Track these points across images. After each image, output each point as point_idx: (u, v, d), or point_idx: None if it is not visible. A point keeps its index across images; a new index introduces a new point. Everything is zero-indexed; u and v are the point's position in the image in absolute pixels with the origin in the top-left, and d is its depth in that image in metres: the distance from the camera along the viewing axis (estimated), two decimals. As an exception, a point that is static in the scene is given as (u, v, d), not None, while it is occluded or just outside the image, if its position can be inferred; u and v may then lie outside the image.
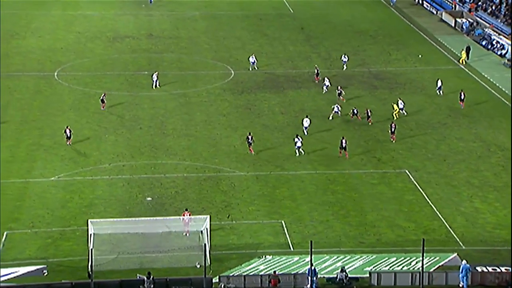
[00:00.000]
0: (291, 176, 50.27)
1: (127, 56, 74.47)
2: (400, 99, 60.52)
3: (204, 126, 59.00)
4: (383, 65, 72.94)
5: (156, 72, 66.18)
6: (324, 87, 64.43)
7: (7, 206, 44.79)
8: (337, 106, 58.83)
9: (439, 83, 65.20)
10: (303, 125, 56.30)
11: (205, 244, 38.30)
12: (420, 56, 75.23)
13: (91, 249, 36.18)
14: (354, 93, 65.48)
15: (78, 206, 45.39)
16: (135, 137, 56.18)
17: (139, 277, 37.21)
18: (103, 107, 60.40)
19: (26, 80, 67.34)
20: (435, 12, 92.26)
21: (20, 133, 56.14)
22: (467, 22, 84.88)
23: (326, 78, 65.20)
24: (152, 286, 35.82)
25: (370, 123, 57.73)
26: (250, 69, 69.42)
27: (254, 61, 70.42)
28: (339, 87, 63.22)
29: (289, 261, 39.62)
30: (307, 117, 56.83)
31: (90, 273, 35.19)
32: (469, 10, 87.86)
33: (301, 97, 64.85)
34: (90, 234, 39.53)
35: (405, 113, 59.93)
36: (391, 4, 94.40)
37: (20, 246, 40.54)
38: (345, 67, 70.69)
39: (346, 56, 71.48)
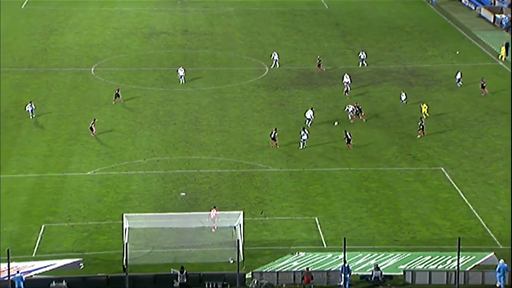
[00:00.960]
0: (325, 172, 50.06)
1: (162, 52, 74.98)
2: (403, 91, 60.06)
3: (238, 122, 59.03)
4: (419, 62, 72.01)
5: (181, 68, 66.13)
6: (345, 84, 63.85)
7: (45, 199, 45.55)
8: (350, 106, 58.12)
9: (459, 75, 64.36)
10: (305, 117, 56.13)
11: (238, 240, 38.39)
12: (457, 52, 74.02)
13: (126, 243, 36.55)
14: (389, 90, 64.84)
15: (113, 200, 45.88)
16: (170, 133, 56.54)
17: (173, 271, 37.48)
18: (115, 101, 60.27)
19: (64, 76, 68.30)
20: (473, 8, 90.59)
21: (57, 128, 57.00)
22: (507, 18, 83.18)
23: (346, 75, 64.54)
24: (185, 280, 36.03)
25: (363, 120, 56.82)
26: (272, 66, 68.88)
27: (277, 58, 69.84)
28: (346, 83, 62.52)
29: (322, 258, 39.53)
30: (311, 109, 56.79)
31: (125, 267, 35.55)
32: (509, 6, 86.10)
33: (335, 93, 64.41)
34: (125, 229, 39.96)
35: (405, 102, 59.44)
36: (431, 2, 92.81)
37: (57, 239, 41.21)
38: (364, 64, 69.96)
39: (364, 53, 70.68)
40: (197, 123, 58.53)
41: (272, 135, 53.00)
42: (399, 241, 41.38)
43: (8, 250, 31.37)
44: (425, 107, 58.28)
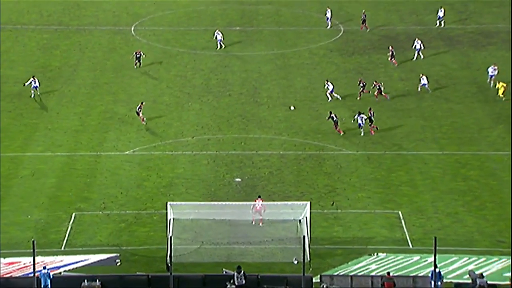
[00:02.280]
0: (411, 156, 49.37)
1: (215, 8, 75.10)
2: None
3: (305, 94, 58.78)
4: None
5: (218, 31, 65.80)
6: (416, 52, 62.52)
7: (76, 183, 46.53)
8: (423, 78, 56.86)
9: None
10: (328, 89, 56.18)
11: (304, 236, 38.21)
12: None
13: (170, 237, 36.90)
14: (495, 55, 63.15)
15: (156, 186, 46.45)
16: (223, 106, 56.74)
17: (226, 272, 37.70)
18: (136, 65, 60.83)
19: (99, 36, 69.33)
20: None
21: (91, 98, 58.00)
22: None
23: (417, 40, 63.10)
24: (243, 282, 36.12)
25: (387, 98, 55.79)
26: (326, 26, 68.21)
27: (330, 16, 68.40)
28: (417, 50, 60.69)
29: (407, 261, 39.07)
30: (327, 81, 56.51)
31: (169, 265, 35.90)
32: None
33: (425, 59, 63.23)
34: (170, 219, 40.39)
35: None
36: None
37: (90, 230, 42.08)
38: (442, 24, 68.20)
39: (442, 10, 68.87)
40: (256, 94, 58.50)
41: (334, 118, 51.92)
42: (505, 242, 40.48)
43: (33, 242, 32.12)
44: (502, 86, 56.12)
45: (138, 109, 53.10)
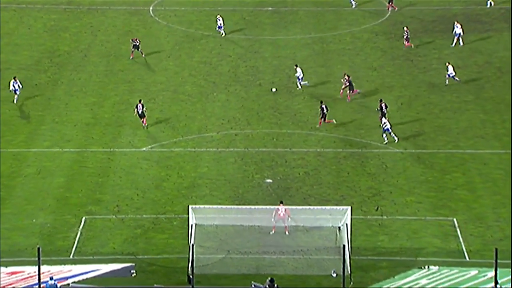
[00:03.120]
0: (468, 155, 49.05)
1: (244, -14, 75.22)
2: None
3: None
4: None
5: (219, 16, 65.07)
6: (455, 37, 62.01)
7: (86, 183, 46.90)
8: (450, 67, 56.23)
9: None
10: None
11: (344, 246, 38.15)
12: None
13: (192, 245, 37.03)
14: None
15: (176, 187, 46.64)
16: (253, 97, 56.79)
17: (254, 285, 37.77)
18: (133, 56, 60.79)
19: (114, 17, 69.75)
20: None
21: (104, 88, 58.40)
22: None
23: (456, 24, 62.60)
24: (275, 297, 36.29)
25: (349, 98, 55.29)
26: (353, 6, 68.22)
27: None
28: (457, 35, 60.52)
29: (463, 276, 38.84)
30: (296, 66, 56.29)
31: (191, 276, 36.05)
32: None
33: (487, 44, 62.78)
34: (191, 225, 40.52)
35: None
36: None
37: (102, 236, 42.38)
38: (491, 3, 67.89)
39: None
40: (290, 84, 58.49)
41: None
42: None
43: (38, 249, 32.45)
44: None
45: (141, 110, 51.82)
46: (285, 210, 41.18)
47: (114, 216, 43.75)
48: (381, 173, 47.72)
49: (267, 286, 36.66)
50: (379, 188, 46.28)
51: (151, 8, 71.18)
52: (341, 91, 55.58)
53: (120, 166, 48.55)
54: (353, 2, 69.84)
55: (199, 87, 58.27)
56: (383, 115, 51.24)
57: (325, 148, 50.52)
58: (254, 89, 57.71)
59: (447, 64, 57.79)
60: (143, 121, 52.00)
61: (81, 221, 43.28)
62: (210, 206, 42.66)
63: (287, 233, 41.14)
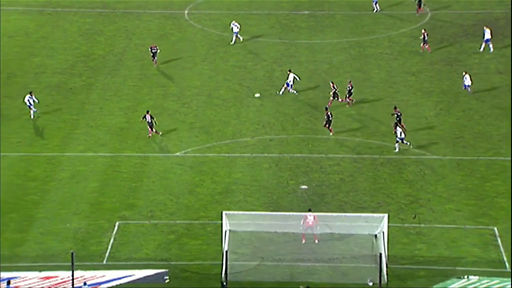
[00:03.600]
0: (510, 163, 48.46)
1: (280, -10, 75.17)
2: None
3: (383, 88, 58.32)
4: None
5: (234, 22, 64.49)
6: (484, 42, 61.27)
7: (120, 188, 47.07)
8: (467, 77, 55.21)
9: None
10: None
11: (380, 254, 37.90)
12: None
13: (226, 252, 36.98)
14: None
15: (210, 192, 46.63)
16: (288, 101, 56.66)
17: (289, 293, 37.61)
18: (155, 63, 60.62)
19: (148, 20, 70.03)
20: None
21: (138, 92, 58.62)
22: None
23: (485, 28, 61.89)
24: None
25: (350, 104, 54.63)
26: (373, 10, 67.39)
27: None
28: (485, 41, 59.70)
29: (504, 286, 38.33)
30: (290, 71, 55.69)
31: (224, 283, 36.04)
32: None
33: (529, 49, 62.08)
34: (225, 231, 40.51)
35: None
36: None
37: (135, 242, 42.48)
38: None
39: None
40: (327, 88, 58.24)
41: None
42: None
43: (72, 254, 32.61)
44: None
45: (150, 120, 51.23)
46: (314, 217, 40.91)
47: (147, 222, 43.85)
48: (419, 180, 47.32)
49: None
50: (417, 196, 45.89)
51: (186, 11, 71.38)
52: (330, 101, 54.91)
53: (153, 171, 48.66)
54: (376, 6, 69.25)
55: (234, 91, 58.26)
56: (398, 122, 50.47)
57: (361, 154, 50.22)
58: (290, 94, 57.55)
59: (464, 73, 56.84)
60: (151, 131, 51.19)
61: (114, 226, 43.42)
62: (244, 212, 42.63)
63: (316, 241, 40.87)
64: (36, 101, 53.59)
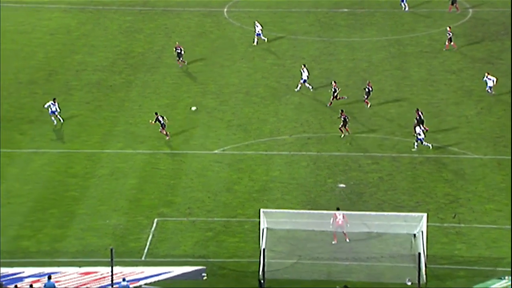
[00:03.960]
0: (550, 163, 48.03)
1: (319, -13, 75.01)
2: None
3: (423, 87, 57.98)
4: None
5: (257, 22, 63.50)
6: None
7: (158, 185, 47.35)
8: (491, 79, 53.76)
9: None
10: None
11: (419, 253, 37.68)
12: None
13: (264, 250, 37.02)
14: None
15: (247, 190, 46.73)
16: (326, 100, 56.56)
17: (326, 292, 37.56)
18: (180, 63, 60.23)
19: (188, 18, 70.32)
20: None
21: (177, 89, 58.90)
22: None
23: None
24: (347, 305, 36.05)
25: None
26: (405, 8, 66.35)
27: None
28: None
29: (543, 288, 37.91)
30: (304, 66, 54.95)
31: (262, 281, 36.08)
32: None
33: None
34: (263, 229, 40.52)
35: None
36: None
37: (173, 238, 42.71)
38: None
39: None
40: (365, 87, 57.99)
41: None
42: None
43: (111, 250, 32.89)
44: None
45: (162, 123, 50.71)
46: (343, 216, 40.76)
47: (185, 219, 44.06)
48: (459, 180, 46.96)
49: (340, 293, 36.45)
50: (457, 195, 45.55)
51: (225, 9, 71.53)
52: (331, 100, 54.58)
53: (192, 168, 48.89)
54: (404, 4, 68.74)
55: (272, 89, 58.28)
56: (419, 123, 49.97)
57: (400, 153, 49.95)
58: (328, 92, 57.42)
59: (486, 74, 55.71)
60: (163, 130, 50.86)
61: (153, 223, 43.71)
62: (282, 210, 42.62)
63: (347, 240, 40.74)
64: (59, 110, 52.36)
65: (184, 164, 49.37)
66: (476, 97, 55.98)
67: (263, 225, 40.67)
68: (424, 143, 49.37)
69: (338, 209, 41.65)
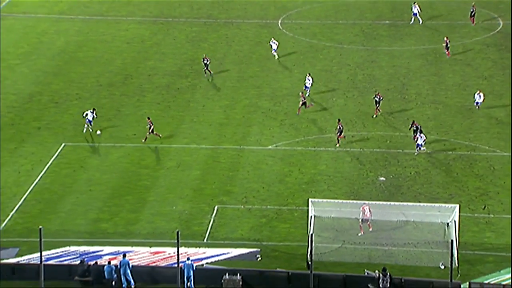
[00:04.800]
0: None
1: (365, 1, 74.26)
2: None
3: (457, 91, 57.07)
4: None
5: (274, 40, 62.10)
6: None
7: (219, 176, 47.41)
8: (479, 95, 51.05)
9: None
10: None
11: (452, 240, 36.86)
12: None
13: (311, 235, 36.84)
14: None
15: (297, 181, 46.55)
16: (369, 102, 56.00)
17: (368, 273, 37.19)
18: (207, 73, 58.70)
19: (246, 29, 70.30)
20: None
21: (236, 92, 58.92)
22: None
23: None
24: (388, 285, 35.56)
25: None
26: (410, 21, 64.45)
27: (417, 12, 63.86)
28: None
29: None
30: (309, 75, 53.24)
31: (310, 263, 35.87)
32: None
33: None
34: (311, 216, 40.34)
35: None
36: None
37: (231, 223, 42.75)
38: None
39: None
40: (404, 91, 57.36)
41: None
42: None
43: (177, 233, 32.96)
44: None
45: (150, 130, 49.36)
46: (369, 209, 40.17)
47: (242, 206, 44.05)
48: (489, 175, 46.09)
49: (380, 274, 36.05)
50: (487, 189, 44.72)
51: (279, 21, 71.33)
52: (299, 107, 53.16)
53: (248, 162, 48.85)
54: (415, 18, 66.85)
55: (320, 92, 57.91)
56: (416, 132, 48.18)
57: (435, 150, 49.23)
58: (370, 95, 56.84)
59: (478, 91, 53.23)
60: (149, 134, 49.31)
61: (214, 209, 43.80)
62: (328, 200, 42.39)
63: (370, 229, 40.09)
64: (95, 117, 50.97)
65: (242, 158, 49.36)
66: (506, 100, 54.86)
67: (311, 213, 40.51)
68: (422, 148, 48.16)
69: (364, 203, 40.81)
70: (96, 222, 42.71)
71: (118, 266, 37.09)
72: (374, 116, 52.43)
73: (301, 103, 53.14)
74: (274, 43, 62.94)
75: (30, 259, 38.86)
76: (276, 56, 61.98)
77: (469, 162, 47.61)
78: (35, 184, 46.17)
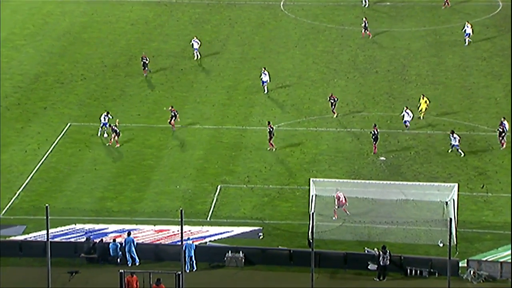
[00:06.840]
0: None
1: (365, -16, 73.84)
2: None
3: (457, 72, 56.86)
4: None
5: (195, 38, 59.37)
6: (466, 36, 57.71)
7: (222, 156, 47.41)
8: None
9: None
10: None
11: (450, 219, 36.94)
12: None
13: (312, 213, 36.91)
14: None
15: (299, 161, 46.55)
16: (369, 83, 55.85)
17: (367, 251, 37.27)
18: (197, 58, 57.52)
19: (249, 11, 70.00)
20: None
21: (239, 73, 58.76)
22: None
23: (467, 23, 58.78)
24: (387, 263, 35.66)
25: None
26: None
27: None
28: None
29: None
30: (264, 69, 52.36)
31: (311, 241, 35.94)
32: None
33: None
34: (312, 196, 40.35)
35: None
36: None
37: (234, 202, 42.80)
38: None
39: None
40: (404, 72, 57.16)
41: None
42: None
43: (181, 211, 33.01)
44: (425, 102, 49.43)
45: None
46: (344, 196, 39.96)
47: (245, 186, 44.08)
48: (488, 154, 46.06)
49: (380, 252, 36.12)
50: (485, 168, 44.71)
51: (281, 3, 70.99)
52: None
53: (251, 142, 48.83)
54: (365, 1, 66.78)
55: (322, 73, 57.76)
56: (375, 139, 46.50)
57: (435, 130, 49.16)
58: (371, 76, 56.73)
59: (405, 108, 49.77)
60: (114, 138, 47.53)
61: (216, 189, 43.84)
62: (329, 180, 42.38)
63: (347, 213, 39.74)
64: (111, 117, 48.64)
65: (244, 138, 49.33)
66: (505, 81, 54.70)
67: (312, 192, 40.53)
68: (407, 125, 47.59)
69: (337, 190, 40.39)
70: (102, 200, 42.79)
71: (123, 243, 37.23)
72: (335, 116, 50.71)
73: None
74: (196, 42, 59.89)
75: (37, 236, 39.03)
76: (198, 57, 59.34)
77: (469, 141, 47.56)
78: (42, 163, 46.22)
